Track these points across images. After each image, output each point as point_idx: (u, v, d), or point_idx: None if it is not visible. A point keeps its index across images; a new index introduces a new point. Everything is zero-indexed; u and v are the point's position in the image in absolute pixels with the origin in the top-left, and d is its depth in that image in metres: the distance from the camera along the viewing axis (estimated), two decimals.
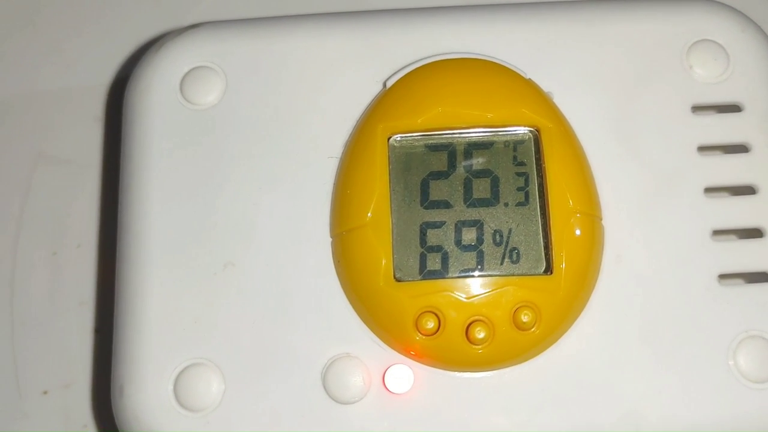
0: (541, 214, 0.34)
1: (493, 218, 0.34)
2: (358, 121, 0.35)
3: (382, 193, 0.34)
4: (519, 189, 0.34)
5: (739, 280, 0.35)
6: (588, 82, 0.36)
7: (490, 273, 0.33)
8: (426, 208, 0.34)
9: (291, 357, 0.33)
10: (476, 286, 0.33)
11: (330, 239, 0.35)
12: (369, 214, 0.33)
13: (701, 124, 0.36)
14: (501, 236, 0.33)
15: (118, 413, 0.34)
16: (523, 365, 0.33)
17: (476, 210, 0.34)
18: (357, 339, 0.34)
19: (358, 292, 0.34)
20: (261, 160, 0.35)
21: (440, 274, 0.33)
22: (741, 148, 0.36)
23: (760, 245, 0.35)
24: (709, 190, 0.35)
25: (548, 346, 0.33)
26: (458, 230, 0.34)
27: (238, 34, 0.37)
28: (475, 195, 0.34)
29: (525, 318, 0.32)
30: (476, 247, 0.33)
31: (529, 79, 0.35)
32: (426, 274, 0.33)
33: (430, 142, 0.34)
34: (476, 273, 0.33)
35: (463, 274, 0.33)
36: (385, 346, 0.34)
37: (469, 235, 0.34)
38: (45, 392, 0.41)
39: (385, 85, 0.36)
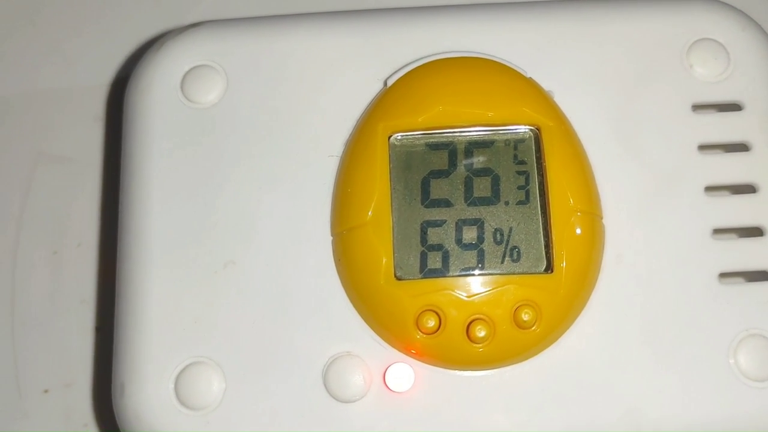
0: (541, 212, 0.34)
1: (494, 217, 0.34)
2: (358, 120, 0.35)
3: (383, 191, 0.34)
4: (519, 187, 0.34)
5: (740, 279, 0.35)
6: (588, 80, 0.36)
7: (490, 271, 0.33)
8: (426, 206, 0.34)
9: (291, 356, 0.33)
10: (477, 284, 0.33)
11: (330, 238, 0.35)
12: (369, 213, 0.33)
13: (701, 123, 0.36)
14: (501, 235, 0.34)
15: (118, 412, 0.34)
16: (524, 364, 0.33)
17: (477, 209, 0.34)
18: (358, 338, 0.34)
19: (359, 290, 0.34)
20: (262, 158, 0.35)
21: (441, 272, 0.33)
22: (741, 147, 0.36)
23: (761, 244, 0.35)
24: (709, 189, 0.35)
25: (549, 345, 0.33)
26: (459, 229, 0.34)
27: (239, 33, 0.37)
28: (476, 193, 0.34)
29: (525, 317, 0.32)
30: (477, 245, 0.33)
31: (530, 77, 0.35)
32: (427, 272, 0.33)
33: (431, 140, 0.34)
34: (477, 271, 0.33)
35: (463, 273, 0.33)
36: (386, 345, 0.34)
37: (469, 234, 0.34)
38: (46, 391, 0.41)
39: (385, 83, 0.36)
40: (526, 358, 0.33)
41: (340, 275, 0.34)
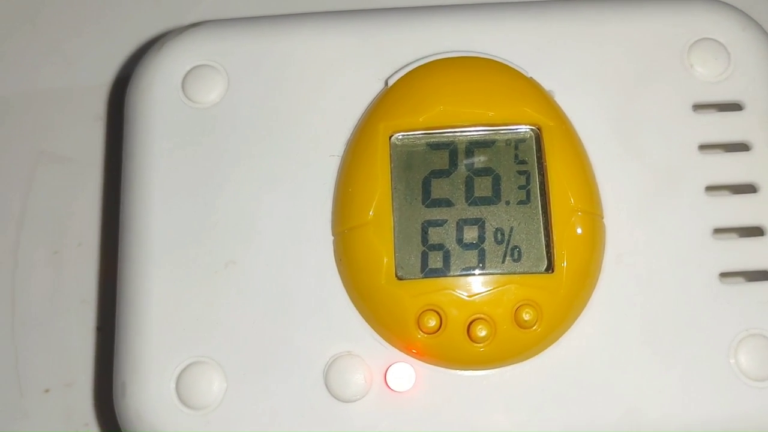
0: (542, 212, 0.34)
1: (495, 216, 0.34)
2: (359, 120, 0.35)
3: (384, 191, 0.34)
4: (520, 187, 0.34)
5: (740, 279, 0.35)
6: (589, 80, 0.36)
7: (491, 271, 0.33)
8: (427, 206, 0.34)
9: (292, 355, 0.34)
10: (478, 284, 0.33)
11: (331, 238, 0.35)
12: (370, 213, 0.33)
13: (702, 123, 0.36)
14: (502, 234, 0.34)
15: (119, 411, 0.34)
16: (525, 363, 0.33)
17: (478, 208, 0.34)
18: (358, 337, 0.34)
19: (360, 290, 0.34)
20: (262, 158, 0.35)
21: (442, 272, 0.33)
22: (742, 147, 0.36)
23: (761, 244, 0.35)
24: (709, 189, 0.35)
25: (549, 345, 0.34)
26: (460, 228, 0.34)
27: (240, 32, 0.37)
28: (477, 193, 0.34)
29: (526, 316, 0.32)
30: (478, 245, 0.33)
31: (531, 77, 0.35)
32: (427, 272, 0.33)
33: (432, 140, 0.34)
34: (478, 271, 0.33)
35: (464, 273, 0.33)
36: (387, 345, 0.34)
37: (470, 234, 0.34)
38: (46, 391, 0.41)
39: (386, 83, 0.36)
40: (527, 358, 0.33)
41: (341, 275, 0.34)
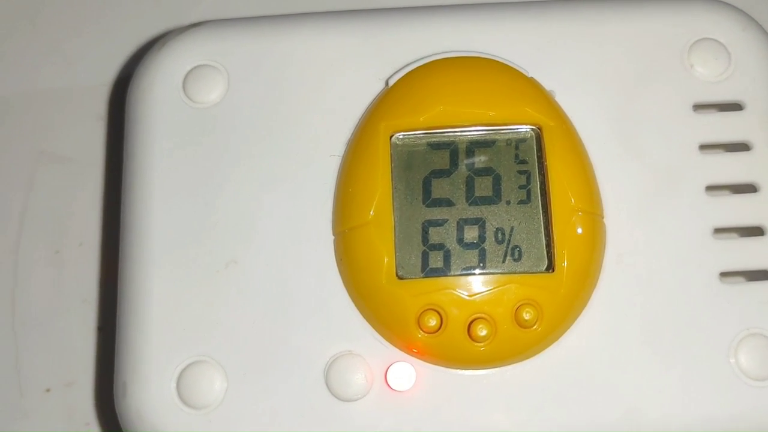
0: (542, 212, 0.34)
1: (495, 216, 0.34)
2: (360, 120, 0.35)
3: (384, 191, 0.34)
4: (521, 187, 0.34)
5: (740, 278, 0.35)
6: (589, 80, 0.36)
7: (492, 271, 0.33)
8: (428, 206, 0.34)
9: (293, 355, 0.34)
10: (478, 283, 0.33)
11: (332, 237, 0.35)
12: (371, 213, 0.34)
13: (702, 123, 0.36)
14: (503, 234, 0.34)
15: (120, 411, 0.34)
16: (525, 363, 0.33)
17: (478, 208, 0.34)
18: (359, 337, 0.34)
19: (361, 290, 0.34)
20: (263, 158, 0.35)
21: (442, 271, 0.33)
22: (742, 147, 0.36)
23: (761, 243, 0.35)
24: (710, 189, 0.35)
25: (550, 344, 0.34)
26: (460, 228, 0.34)
27: (241, 32, 0.37)
28: (477, 193, 0.34)
29: (527, 316, 0.32)
30: (478, 245, 0.33)
31: (531, 77, 0.35)
32: (428, 271, 0.33)
33: (432, 140, 0.34)
34: (478, 271, 0.33)
35: (465, 272, 0.33)
36: (387, 344, 0.34)
37: (471, 233, 0.34)
38: (47, 390, 0.41)
39: (387, 83, 0.36)
40: (527, 358, 0.33)
41: (341, 274, 0.34)
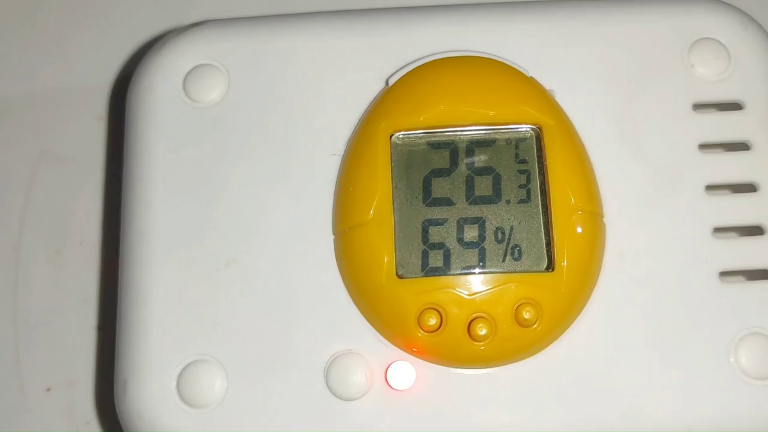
0: (542, 211, 0.34)
1: (495, 215, 0.34)
2: (360, 119, 0.35)
3: (385, 190, 0.34)
4: (521, 186, 0.34)
5: (740, 278, 0.35)
6: (589, 80, 0.36)
7: (492, 270, 0.33)
8: (428, 205, 0.34)
9: (293, 354, 0.34)
10: (478, 283, 0.33)
11: (332, 236, 0.35)
12: (371, 212, 0.34)
13: (702, 122, 0.36)
14: (503, 233, 0.34)
15: (121, 410, 0.34)
16: (525, 362, 0.33)
17: (478, 207, 0.34)
18: (359, 336, 0.34)
19: (361, 289, 0.34)
20: (263, 157, 0.35)
21: (442, 271, 0.33)
22: (742, 146, 0.36)
23: (761, 243, 0.35)
24: (710, 188, 0.35)
25: (550, 343, 0.34)
26: (460, 227, 0.34)
27: (241, 32, 0.37)
28: (477, 192, 0.34)
29: (527, 315, 0.32)
30: (478, 244, 0.33)
31: (531, 77, 0.35)
32: (428, 271, 0.33)
33: (433, 139, 0.34)
34: (478, 270, 0.33)
35: (465, 271, 0.33)
36: (388, 343, 0.34)
37: (471, 233, 0.34)
38: (48, 389, 0.41)
39: (387, 82, 0.36)
40: (527, 357, 0.33)
41: (341, 273, 0.34)
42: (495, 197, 0.34)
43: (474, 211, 0.34)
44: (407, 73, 0.35)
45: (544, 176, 0.34)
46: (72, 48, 0.45)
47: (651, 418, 0.33)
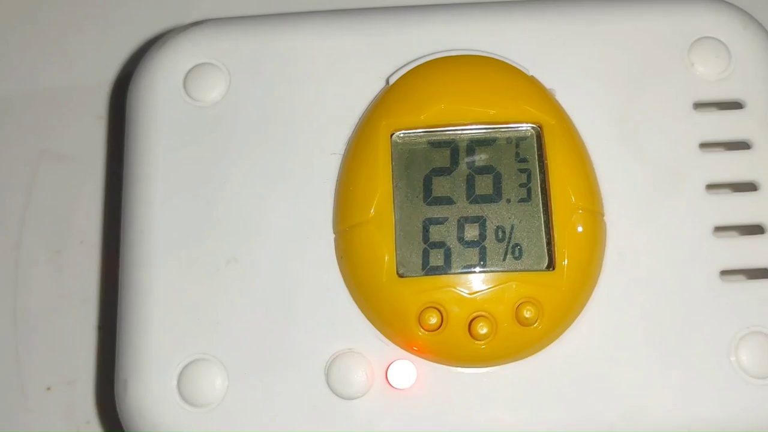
0: (543, 210, 0.34)
1: (496, 214, 0.34)
2: (361, 118, 0.35)
3: (385, 189, 0.34)
4: (521, 185, 0.34)
5: (741, 277, 0.35)
6: (590, 79, 0.36)
7: (492, 269, 0.33)
8: (429, 204, 0.34)
9: (294, 353, 0.34)
10: (479, 281, 0.33)
11: (333, 235, 0.35)
12: (372, 211, 0.34)
13: (703, 121, 0.36)
14: (503, 232, 0.34)
15: (121, 409, 0.34)
16: (526, 361, 0.33)
17: (479, 206, 0.34)
18: (360, 335, 0.34)
19: (361, 288, 0.34)
20: (264, 156, 0.35)
21: (443, 270, 0.33)
22: (742, 145, 0.36)
23: (762, 242, 0.35)
24: (710, 187, 0.35)
25: (550, 342, 0.34)
26: (461, 226, 0.34)
27: (242, 31, 0.37)
28: (478, 191, 0.34)
29: (527, 314, 0.32)
30: (479, 243, 0.33)
31: (532, 76, 0.35)
32: (429, 270, 0.33)
33: (433, 138, 0.34)
34: (479, 269, 0.33)
35: (465, 270, 0.33)
36: (388, 342, 0.34)
37: (471, 231, 0.34)
38: (48, 389, 0.41)
39: (387, 81, 0.36)
40: (528, 356, 0.33)
41: (342, 273, 0.34)
42: (495, 196, 0.34)
43: (474, 210, 0.34)
44: (408, 72, 0.35)
45: (544, 175, 0.34)
46: (72, 47, 0.45)
47: (652, 417, 0.33)
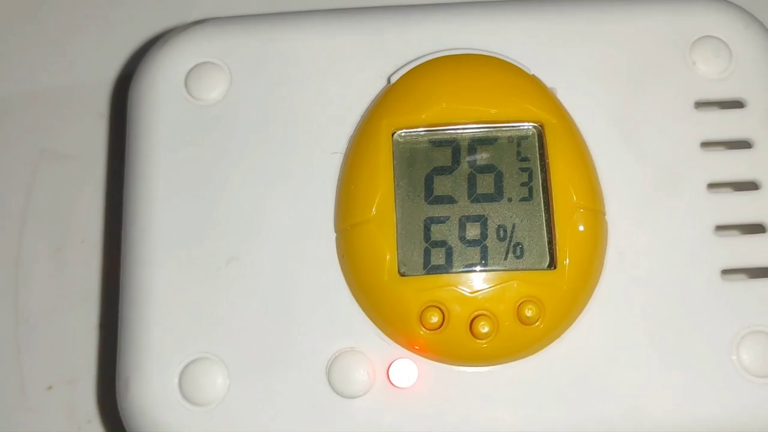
0: (544, 209, 0.34)
1: (497, 213, 0.34)
2: (362, 117, 0.35)
3: (387, 188, 0.34)
4: (523, 184, 0.34)
5: (742, 276, 0.35)
6: (591, 78, 0.36)
7: (494, 268, 0.33)
8: (430, 203, 0.34)
9: (295, 351, 0.34)
10: (480, 280, 0.33)
11: (334, 234, 0.35)
12: (373, 210, 0.34)
13: (704, 120, 0.36)
14: (505, 231, 0.34)
15: (122, 408, 0.34)
16: (527, 360, 0.33)
17: (480, 205, 0.34)
18: (361, 333, 0.34)
19: (363, 286, 0.34)
20: (265, 155, 0.35)
21: (444, 268, 0.33)
22: (743, 144, 0.36)
23: (763, 241, 0.35)
24: (711, 186, 0.35)
25: (552, 341, 0.34)
26: (462, 225, 0.34)
27: (243, 30, 0.37)
28: (479, 190, 0.34)
29: (529, 312, 0.32)
30: (480, 242, 0.33)
31: (533, 75, 0.35)
32: (430, 268, 0.33)
33: (434, 137, 0.34)
34: (480, 268, 0.33)
35: (467, 269, 0.33)
36: (390, 341, 0.34)
37: (473, 230, 0.34)
38: (49, 387, 0.41)
39: (389, 80, 0.36)
40: (530, 354, 0.33)
41: (343, 271, 0.34)
42: (497, 195, 0.34)
43: (476, 209, 0.34)
44: (409, 71, 0.35)
45: (546, 174, 0.34)
46: (73, 46, 0.45)
47: (653, 416, 0.33)
